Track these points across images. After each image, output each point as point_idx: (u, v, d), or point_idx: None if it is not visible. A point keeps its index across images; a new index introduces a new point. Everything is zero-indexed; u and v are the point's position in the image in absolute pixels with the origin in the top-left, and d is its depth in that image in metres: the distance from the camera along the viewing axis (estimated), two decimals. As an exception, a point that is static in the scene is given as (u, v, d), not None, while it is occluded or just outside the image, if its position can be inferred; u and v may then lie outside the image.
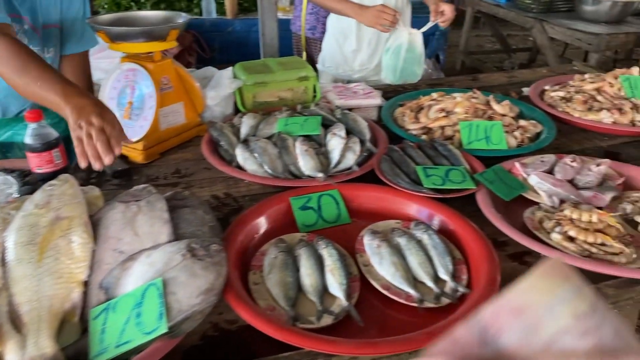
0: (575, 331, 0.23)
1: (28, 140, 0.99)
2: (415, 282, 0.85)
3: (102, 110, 0.97)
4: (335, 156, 1.21)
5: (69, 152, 1.30)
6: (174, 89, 1.35)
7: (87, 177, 1.22)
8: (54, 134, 1.02)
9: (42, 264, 0.71)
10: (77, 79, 1.47)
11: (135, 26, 1.27)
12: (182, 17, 1.34)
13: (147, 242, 0.81)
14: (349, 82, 1.92)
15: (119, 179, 1.22)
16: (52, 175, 1.03)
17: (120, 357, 0.68)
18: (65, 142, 1.41)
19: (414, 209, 1.05)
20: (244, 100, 1.54)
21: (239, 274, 0.85)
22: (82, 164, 0.93)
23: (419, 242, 0.92)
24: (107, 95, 1.34)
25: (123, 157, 1.30)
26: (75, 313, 0.72)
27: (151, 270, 0.76)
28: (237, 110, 1.54)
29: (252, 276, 0.87)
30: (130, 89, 1.31)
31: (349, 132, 1.31)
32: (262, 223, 1.01)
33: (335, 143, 1.24)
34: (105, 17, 1.33)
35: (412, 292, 0.82)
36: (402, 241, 0.92)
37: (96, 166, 0.93)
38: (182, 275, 0.75)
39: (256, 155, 1.21)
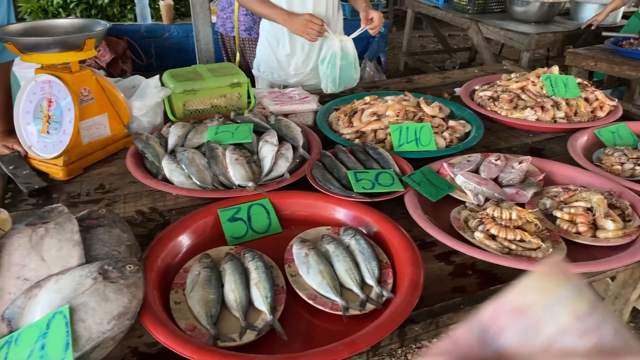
0: (575, 331, 0.23)
1: None
2: (342, 289, 0.85)
3: None
4: (267, 164, 1.20)
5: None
6: (95, 101, 1.29)
7: (2, 195, 1.14)
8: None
9: None
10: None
11: (48, 36, 1.20)
12: (100, 25, 1.28)
13: (55, 267, 0.76)
14: (285, 87, 1.91)
15: (36, 198, 1.15)
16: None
17: (23, 395, 0.63)
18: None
19: (343, 214, 1.05)
20: (174, 109, 1.49)
21: (158, 293, 0.82)
22: None
23: (347, 248, 0.92)
24: (22, 109, 1.25)
25: (42, 175, 1.23)
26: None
27: (58, 297, 0.71)
28: (167, 120, 1.49)
29: (174, 295, 0.83)
30: (46, 102, 1.23)
31: (282, 139, 1.30)
32: (187, 238, 0.97)
33: (267, 150, 1.23)
34: (15, 26, 1.25)
35: (338, 299, 0.82)
36: (330, 248, 0.92)
37: None
38: (91, 300, 0.71)
39: (183, 166, 1.17)
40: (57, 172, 1.23)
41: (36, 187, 1.16)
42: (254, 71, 2.02)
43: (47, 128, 1.24)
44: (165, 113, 1.49)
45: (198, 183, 1.13)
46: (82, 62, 1.26)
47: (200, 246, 0.97)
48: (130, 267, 0.77)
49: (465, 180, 1.13)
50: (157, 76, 1.47)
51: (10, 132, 1.32)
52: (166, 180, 1.16)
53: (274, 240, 1.01)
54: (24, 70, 2.04)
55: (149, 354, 0.76)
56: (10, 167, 1.23)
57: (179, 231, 0.97)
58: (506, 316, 0.24)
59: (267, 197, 1.08)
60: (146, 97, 1.40)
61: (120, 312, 0.71)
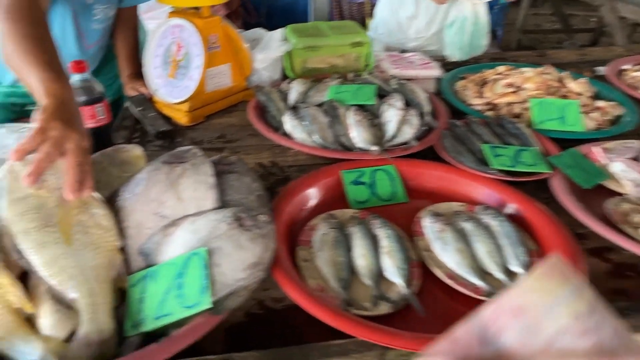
0: (574, 331, 0.23)
1: (71, 92, 0.94)
2: (482, 273, 0.76)
3: (72, 120, 0.73)
4: (391, 129, 1.11)
5: (116, 110, 1.26)
6: (221, 49, 1.27)
7: (130, 136, 1.17)
8: (98, 87, 0.96)
9: (73, 240, 0.66)
10: (127, 33, 1.42)
11: (184, -22, 1.19)
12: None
13: (191, 207, 0.74)
14: (403, 51, 1.79)
15: (162, 140, 1.17)
16: (94, 132, 0.98)
17: (158, 330, 0.63)
18: (115, 102, 1.37)
19: (479, 191, 0.95)
20: (293, 65, 1.45)
21: (286, 248, 0.78)
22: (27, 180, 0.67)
23: (487, 229, 0.82)
24: (152, 53, 1.27)
25: (166, 118, 1.25)
26: (123, 280, 0.67)
27: (194, 238, 0.70)
28: (284, 77, 1.46)
29: (301, 252, 0.79)
30: (176, 47, 1.24)
31: (407, 104, 1.20)
32: (311, 195, 0.93)
33: (391, 114, 1.14)
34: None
35: (480, 283, 0.73)
36: (467, 226, 0.82)
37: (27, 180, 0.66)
38: (227, 245, 0.68)
39: (305, 123, 1.12)
40: (181, 117, 1.24)
41: (162, 129, 1.17)
42: (370, 33, 1.92)
43: (175, 73, 1.25)
44: (283, 69, 1.45)
45: (319, 141, 1.08)
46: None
47: (323, 206, 0.93)
48: (263, 216, 0.74)
49: (625, 169, 0.97)
50: (282, 29, 1.43)
51: (137, 75, 1.36)
52: (286, 135, 1.13)
53: (399, 210, 0.93)
54: (147, 20, 2.11)
55: (275, 309, 0.73)
56: (139, 109, 1.26)
57: (303, 187, 0.92)
58: (506, 316, 0.23)
59: (393, 163, 1.01)
60: (269, 50, 1.36)
61: (254, 261, 0.68)
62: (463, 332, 0.26)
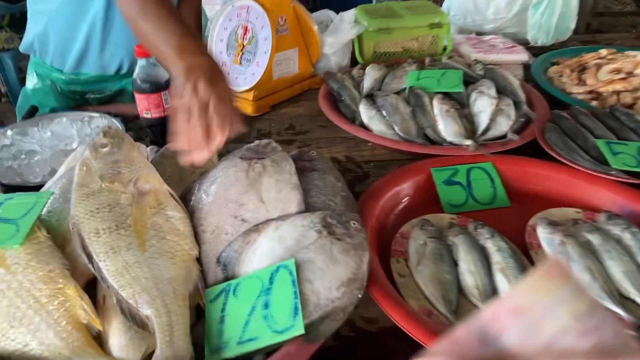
0: (575, 331, 0.22)
1: (136, 78, 0.87)
2: (619, 297, 0.63)
3: (215, 77, 0.70)
4: (483, 120, 0.98)
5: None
6: (290, 32, 1.17)
7: (194, 127, 1.09)
8: (164, 74, 0.88)
9: (147, 246, 0.58)
10: (190, 14, 1.34)
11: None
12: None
13: (274, 210, 0.65)
14: (479, 33, 1.63)
15: (227, 132, 1.08)
16: (159, 122, 0.91)
17: (242, 357, 0.54)
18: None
19: (598, 195, 0.80)
20: (363, 49, 1.33)
21: (378, 260, 0.68)
22: (178, 145, 0.67)
23: (619, 243, 0.68)
24: (216, 37, 1.19)
25: (231, 108, 1.16)
26: (201, 296, 0.58)
27: (280, 247, 0.60)
28: (353, 63, 1.34)
29: (395, 265, 0.69)
30: (242, 30, 1.15)
31: (498, 92, 1.06)
32: (399, 197, 0.82)
33: (483, 104, 1.01)
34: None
35: (620, 311, 0.60)
36: (594, 239, 0.69)
37: (194, 157, 0.67)
38: (318, 258, 0.58)
39: (384, 113, 1.01)
40: (246, 107, 1.15)
41: (228, 120, 1.09)
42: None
43: (240, 58, 1.16)
44: (352, 54, 1.34)
45: (401, 134, 0.96)
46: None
47: (412, 209, 0.81)
48: (354, 223, 0.63)
49: None
50: (353, 10, 1.31)
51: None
52: (363, 127, 1.02)
53: (498, 216, 0.80)
54: (205, 6, 2.04)
55: (368, 331, 0.63)
56: (202, 97, 1.18)
57: (390, 187, 0.81)
58: (506, 316, 0.23)
59: (491, 160, 0.88)
60: (339, 33, 1.25)
61: (349, 277, 0.58)
62: (463, 332, 0.25)
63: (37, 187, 0.80)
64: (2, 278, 0.54)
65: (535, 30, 1.47)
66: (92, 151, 0.63)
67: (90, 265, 0.57)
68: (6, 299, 0.53)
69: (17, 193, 0.62)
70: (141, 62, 0.87)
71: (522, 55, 1.33)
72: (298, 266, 0.57)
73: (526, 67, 1.32)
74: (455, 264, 0.67)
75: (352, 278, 0.58)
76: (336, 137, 1.05)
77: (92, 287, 0.60)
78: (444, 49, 1.36)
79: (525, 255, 0.69)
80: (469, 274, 0.64)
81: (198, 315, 0.58)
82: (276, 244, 0.61)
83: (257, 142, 0.73)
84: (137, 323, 0.54)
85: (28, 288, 0.54)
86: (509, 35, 1.59)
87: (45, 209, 0.61)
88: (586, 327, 0.23)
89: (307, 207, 0.67)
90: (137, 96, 0.88)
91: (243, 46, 1.15)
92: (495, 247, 0.67)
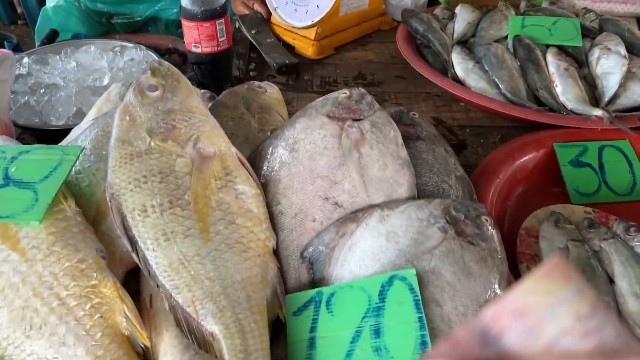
0: (576, 332, 0.22)
1: (185, 1, 0.68)
2: None
3: None
4: (612, 85, 0.78)
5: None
6: (365, -44, 0.95)
7: (245, 67, 0.91)
8: (220, -2, 0.69)
9: (212, 233, 0.41)
10: None
11: None
12: None
13: (377, 194, 0.48)
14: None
15: (285, 77, 0.90)
16: (211, 59, 0.72)
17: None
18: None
19: None
20: (446, -14, 1.10)
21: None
22: None
23: None
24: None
25: (289, 48, 0.97)
26: (281, 305, 0.42)
27: (390, 247, 0.44)
28: (432, 2, 1.12)
29: (526, 273, 0.52)
30: (308, -51, 0.93)
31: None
32: (516, 178, 0.64)
33: (610, 64, 0.80)
34: None
35: None
36: None
37: None
38: (446, 268, 0.42)
39: (486, 66, 0.81)
40: (307, 48, 0.96)
41: (286, 62, 0.90)
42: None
43: (303, -14, 0.95)
44: (431, -9, 1.12)
45: (508, 95, 0.77)
46: None
47: (530, 195, 0.64)
48: (487, 219, 0.46)
49: None
50: None
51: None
52: (456, 81, 0.82)
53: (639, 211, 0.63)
54: None
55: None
56: (253, 32, 0.98)
57: (505, 165, 0.63)
58: (507, 317, 0.23)
59: (629, 137, 0.69)
60: (422, -39, 1.02)
61: (486, 298, 0.42)
62: (464, 333, 0.24)
63: (59, 132, 0.64)
64: (16, 267, 0.39)
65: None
66: (137, 95, 0.46)
67: (133, 255, 0.41)
68: (20, 297, 0.38)
69: (35, 145, 0.46)
70: (192, -22, 0.67)
71: (638, 7, 1.09)
72: (420, 278, 0.41)
73: (641, 21, 1.09)
74: (609, 280, 0.50)
75: (488, 299, 0.42)
76: (419, 92, 0.86)
77: (133, 278, 0.45)
78: (542, -8, 1.13)
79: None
80: (633, 298, 0.48)
81: (274, 330, 0.43)
82: (384, 242, 0.44)
83: (345, 91, 0.55)
84: (197, 341, 0.39)
85: (50, 284, 0.39)
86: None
87: (72, 170, 0.45)
88: (588, 328, 0.22)
89: (418, 192, 0.50)
90: (186, 24, 0.69)
91: (308, -30, 0.93)
92: (664, 262, 0.50)
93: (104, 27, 1.17)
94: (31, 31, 2.36)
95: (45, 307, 0.38)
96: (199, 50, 0.71)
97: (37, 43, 1.05)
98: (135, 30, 1.20)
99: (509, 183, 0.62)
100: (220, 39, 0.70)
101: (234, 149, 0.47)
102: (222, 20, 0.70)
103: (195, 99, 0.47)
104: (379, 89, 0.87)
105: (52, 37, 0.98)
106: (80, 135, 0.51)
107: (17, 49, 2.12)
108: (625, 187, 0.65)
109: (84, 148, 0.46)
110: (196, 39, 0.70)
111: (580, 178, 0.65)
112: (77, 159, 0.45)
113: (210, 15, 0.68)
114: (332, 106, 0.53)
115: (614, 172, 0.66)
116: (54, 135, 0.64)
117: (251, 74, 0.89)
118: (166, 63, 0.49)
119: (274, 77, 0.89)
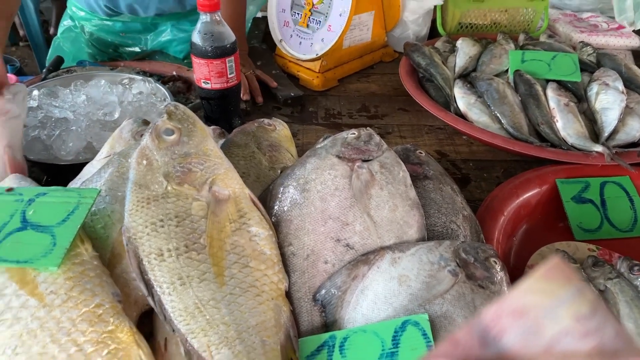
0: (576, 333, 0.23)
1: (196, 38, 0.69)
2: None
3: None
4: (610, 120, 0.80)
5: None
6: (368, -8, 0.98)
7: (252, 101, 0.92)
8: (229, 34, 0.71)
9: (227, 277, 0.42)
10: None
11: None
12: None
13: (387, 235, 0.49)
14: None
15: (291, 108, 0.91)
16: (220, 94, 0.74)
17: None
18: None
19: None
20: (446, 19, 1.13)
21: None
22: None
23: None
24: (279, -9, 1.00)
25: (294, 80, 0.99)
26: (294, 349, 0.43)
27: (402, 291, 0.45)
28: (432, 34, 1.15)
29: (533, 313, 0.53)
30: (313, -15, 0.96)
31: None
32: (520, 214, 0.65)
33: (609, 99, 0.82)
34: None
35: None
36: None
37: None
38: (457, 313, 0.43)
39: (488, 101, 0.83)
40: (311, 80, 0.97)
41: (292, 94, 0.92)
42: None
43: (307, 20, 0.97)
44: (433, 23, 1.14)
45: (510, 130, 0.79)
46: None
47: (534, 231, 0.65)
48: (495, 261, 0.47)
49: None
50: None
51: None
52: (459, 115, 0.84)
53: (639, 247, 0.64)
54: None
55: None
56: (258, 63, 1.00)
57: (509, 201, 0.65)
58: (507, 318, 0.23)
59: (629, 173, 0.71)
60: (424, -3, 1.05)
61: (498, 344, 0.42)
62: (464, 334, 0.24)
63: (69, 168, 0.65)
64: (34, 313, 0.39)
65: (623, 9, 1.25)
66: (154, 139, 0.47)
67: (149, 299, 0.42)
68: (38, 343, 0.38)
69: (52, 188, 0.47)
70: (204, 17, 0.69)
71: (634, 40, 1.12)
72: (432, 323, 0.42)
73: (636, 54, 1.12)
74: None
75: (501, 343, 0.43)
76: (422, 124, 0.88)
77: (147, 319, 0.46)
78: (528, 24, 1.16)
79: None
80: (637, 336, 0.49)
81: (288, 373, 0.43)
82: (396, 286, 0.45)
83: (354, 132, 0.56)
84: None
85: (68, 330, 0.39)
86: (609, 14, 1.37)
87: (88, 212, 0.46)
88: (587, 328, 0.23)
89: (426, 231, 0.51)
90: (196, 60, 0.71)
91: (313, 5, 0.96)
92: (669, 302, 0.51)
93: (109, 55, 1.19)
94: (33, 53, 2.38)
95: (63, 353, 0.38)
96: (209, 86, 0.73)
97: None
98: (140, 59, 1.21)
99: (513, 220, 0.63)
100: (229, 76, 0.72)
101: (247, 191, 0.48)
102: (232, 57, 0.71)
103: (210, 142, 0.49)
104: (383, 122, 0.89)
105: (57, 64, 1.00)
106: (94, 175, 0.52)
107: (19, 72, 2.13)
108: (627, 224, 0.66)
109: (100, 191, 0.47)
110: (206, 75, 0.71)
111: (582, 214, 0.66)
112: (94, 202, 0.45)
113: (221, 53, 0.70)
114: (341, 146, 0.55)
115: (615, 209, 0.67)
116: (63, 170, 0.65)
117: (257, 105, 0.91)
118: (182, 106, 0.50)
119: (279, 109, 0.90)
